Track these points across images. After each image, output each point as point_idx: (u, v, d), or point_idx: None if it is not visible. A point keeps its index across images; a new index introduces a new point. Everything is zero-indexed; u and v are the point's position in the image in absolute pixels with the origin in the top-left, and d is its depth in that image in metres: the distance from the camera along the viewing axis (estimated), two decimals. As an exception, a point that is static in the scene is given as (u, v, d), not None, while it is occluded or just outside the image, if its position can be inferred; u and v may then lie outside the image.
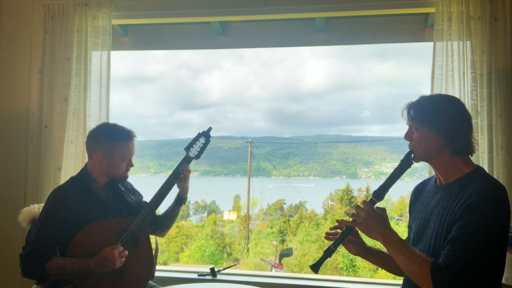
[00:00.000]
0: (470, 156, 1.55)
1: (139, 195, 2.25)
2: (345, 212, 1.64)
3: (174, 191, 2.17)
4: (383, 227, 1.51)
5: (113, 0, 2.80)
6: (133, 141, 2.07)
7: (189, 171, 2.15)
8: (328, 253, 1.61)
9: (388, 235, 1.49)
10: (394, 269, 1.71)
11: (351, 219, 1.60)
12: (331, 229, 1.69)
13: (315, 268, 1.63)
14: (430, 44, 2.55)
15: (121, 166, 2.05)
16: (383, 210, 1.58)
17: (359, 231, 1.64)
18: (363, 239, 1.71)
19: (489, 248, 1.36)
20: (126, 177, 2.12)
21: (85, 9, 2.78)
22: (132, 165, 2.10)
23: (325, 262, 1.65)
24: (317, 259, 1.63)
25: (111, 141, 2.02)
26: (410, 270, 1.45)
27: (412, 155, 1.58)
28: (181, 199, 2.20)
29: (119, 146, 2.02)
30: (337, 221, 1.66)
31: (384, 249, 1.59)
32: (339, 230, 1.65)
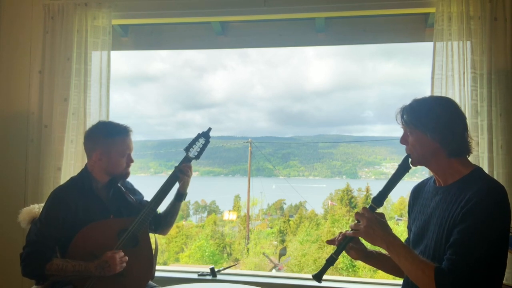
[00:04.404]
0: (467, 156, 1.54)
1: (139, 194, 2.24)
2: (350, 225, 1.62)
3: (174, 190, 2.17)
4: (386, 233, 1.49)
5: (113, 0, 2.80)
6: (129, 136, 2.07)
7: (191, 170, 2.15)
8: (330, 262, 1.59)
9: (391, 241, 1.48)
10: (395, 271, 1.71)
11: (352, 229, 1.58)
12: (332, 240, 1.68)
13: (318, 277, 1.61)
14: (432, 44, 2.54)
15: (121, 162, 2.05)
16: (382, 215, 1.57)
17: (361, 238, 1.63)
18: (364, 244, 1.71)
19: (490, 251, 1.35)
20: (128, 173, 2.11)
21: (85, 9, 2.78)
22: (132, 161, 2.10)
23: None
24: (319, 269, 1.60)
25: (108, 137, 2.03)
26: (414, 275, 1.44)
27: (410, 159, 1.57)
28: (180, 195, 2.19)
29: (117, 141, 2.03)
30: (340, 233, 1.64)
31: (385, 252, 1.58)
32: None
